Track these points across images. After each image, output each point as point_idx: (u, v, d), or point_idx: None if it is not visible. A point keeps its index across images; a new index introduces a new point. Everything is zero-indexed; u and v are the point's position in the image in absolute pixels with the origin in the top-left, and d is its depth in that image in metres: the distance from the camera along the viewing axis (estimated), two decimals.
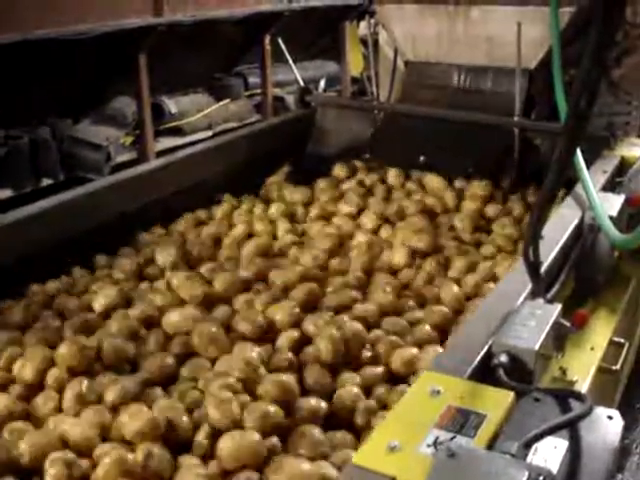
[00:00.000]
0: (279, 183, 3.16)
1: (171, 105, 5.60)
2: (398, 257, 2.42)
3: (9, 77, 4.12)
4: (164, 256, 2.41)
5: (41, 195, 2.59)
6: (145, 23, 4.77)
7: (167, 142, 5.56)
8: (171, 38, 4.98)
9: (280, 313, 1.98)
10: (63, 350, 1.78)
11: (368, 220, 2.71)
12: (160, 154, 4.86)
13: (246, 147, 3.21)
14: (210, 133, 5.83)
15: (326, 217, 2.79)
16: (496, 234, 2.61)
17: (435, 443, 1.13)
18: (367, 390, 1.77)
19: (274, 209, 2.85)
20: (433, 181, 2.99)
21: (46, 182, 4.68)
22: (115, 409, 1.65)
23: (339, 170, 3.20)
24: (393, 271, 2.39)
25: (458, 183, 2.97)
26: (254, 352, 1.81)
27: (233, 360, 1.76)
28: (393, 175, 3.08)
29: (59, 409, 1.70)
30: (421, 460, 1.09)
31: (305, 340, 1.92)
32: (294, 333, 1.93)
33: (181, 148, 3.84)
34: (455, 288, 2.20)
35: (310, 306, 2.08)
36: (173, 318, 1.98)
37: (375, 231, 2.68)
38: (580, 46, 1.24)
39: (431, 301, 2.18)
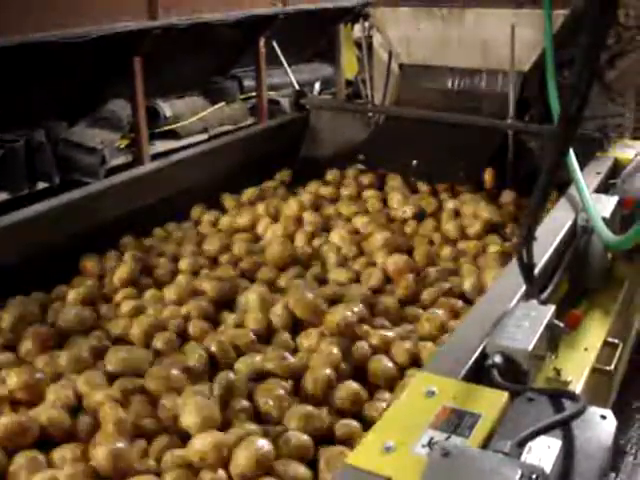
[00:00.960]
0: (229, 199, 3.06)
1: (166, 108, 5.60)
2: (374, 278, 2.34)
3: (5, 80, 4.11)
4: None
5: (37, 198, 2.59)
6: (140, 26, 4.77)
7: (162, 145, 5.55)
8: (166, 41, 4.98)
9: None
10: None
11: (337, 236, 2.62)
12: (155, 157, 4.87)
13: (241, 150, 3.21)
14: (205, 136, 5.83)
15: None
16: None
17: (430, 443, 1.13)
18: None
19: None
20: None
21: (42, 185, 4.68)
22: None
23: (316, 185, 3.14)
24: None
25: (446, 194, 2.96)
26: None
27: None
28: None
29: None
30: (416, 460, 1.10)
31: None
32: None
33: (176, 151, 3.84)
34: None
35: None
36: None
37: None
38: (573, 48, 1.24)
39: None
